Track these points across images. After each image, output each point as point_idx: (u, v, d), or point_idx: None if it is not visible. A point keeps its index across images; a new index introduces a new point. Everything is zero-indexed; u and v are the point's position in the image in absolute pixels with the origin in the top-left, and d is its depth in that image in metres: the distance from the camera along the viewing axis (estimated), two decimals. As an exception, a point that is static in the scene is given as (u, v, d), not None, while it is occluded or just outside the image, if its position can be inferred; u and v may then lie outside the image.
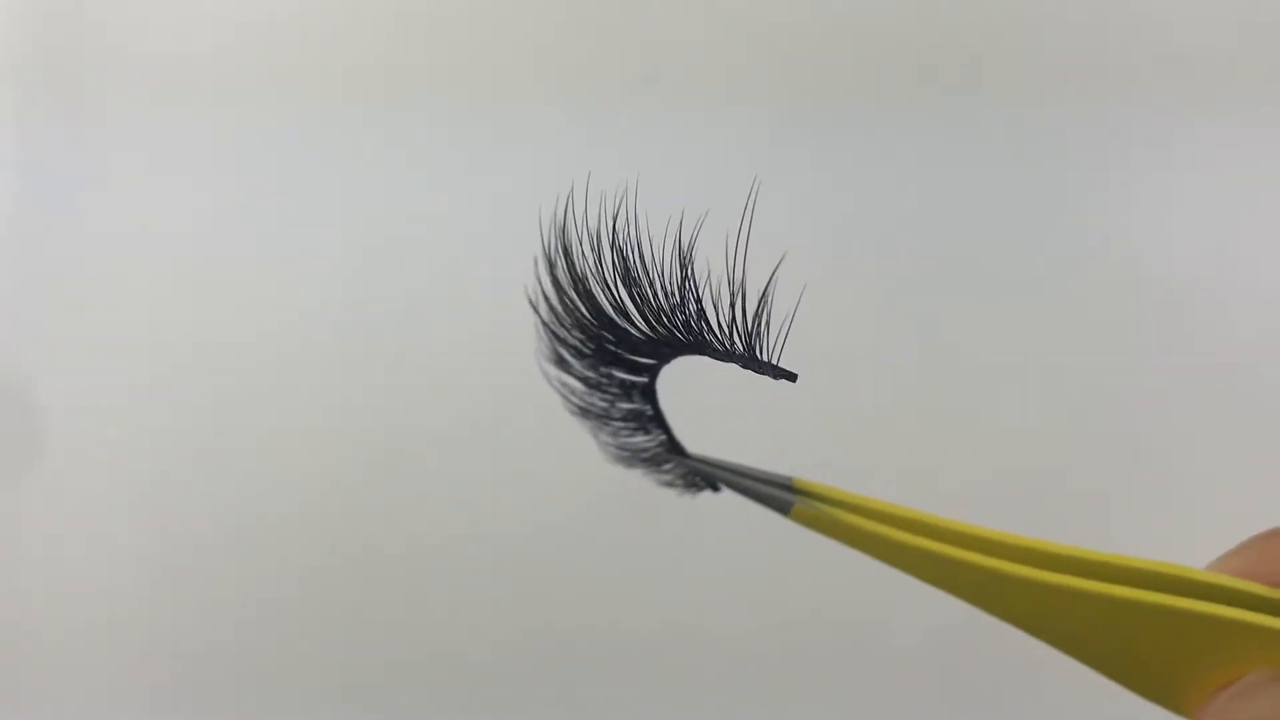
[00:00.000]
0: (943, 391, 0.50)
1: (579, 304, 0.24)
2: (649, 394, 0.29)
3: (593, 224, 0.24)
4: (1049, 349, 0.50)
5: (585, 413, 0.30)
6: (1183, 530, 0.45)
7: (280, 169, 0.53)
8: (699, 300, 0.21)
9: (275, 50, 0.53)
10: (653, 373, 0.28)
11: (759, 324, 0.21)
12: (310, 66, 0.53)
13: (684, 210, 0.22)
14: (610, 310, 0.23)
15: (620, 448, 0.31)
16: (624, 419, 0.30)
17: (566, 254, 0.24)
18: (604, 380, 0.28)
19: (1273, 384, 0.48)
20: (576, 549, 0.53)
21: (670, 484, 0.31)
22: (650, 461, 0.31)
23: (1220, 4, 0.49)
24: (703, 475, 0.30)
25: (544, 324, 0.27)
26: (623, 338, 0.24)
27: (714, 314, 0.22)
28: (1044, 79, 0.49)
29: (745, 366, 0.23)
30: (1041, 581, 0.22)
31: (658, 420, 0.29)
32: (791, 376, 0.23)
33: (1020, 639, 0.26)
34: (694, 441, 0.30)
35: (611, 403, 0.29)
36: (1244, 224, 0.48)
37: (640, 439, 0.30)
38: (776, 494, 0.27)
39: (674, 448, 0.30)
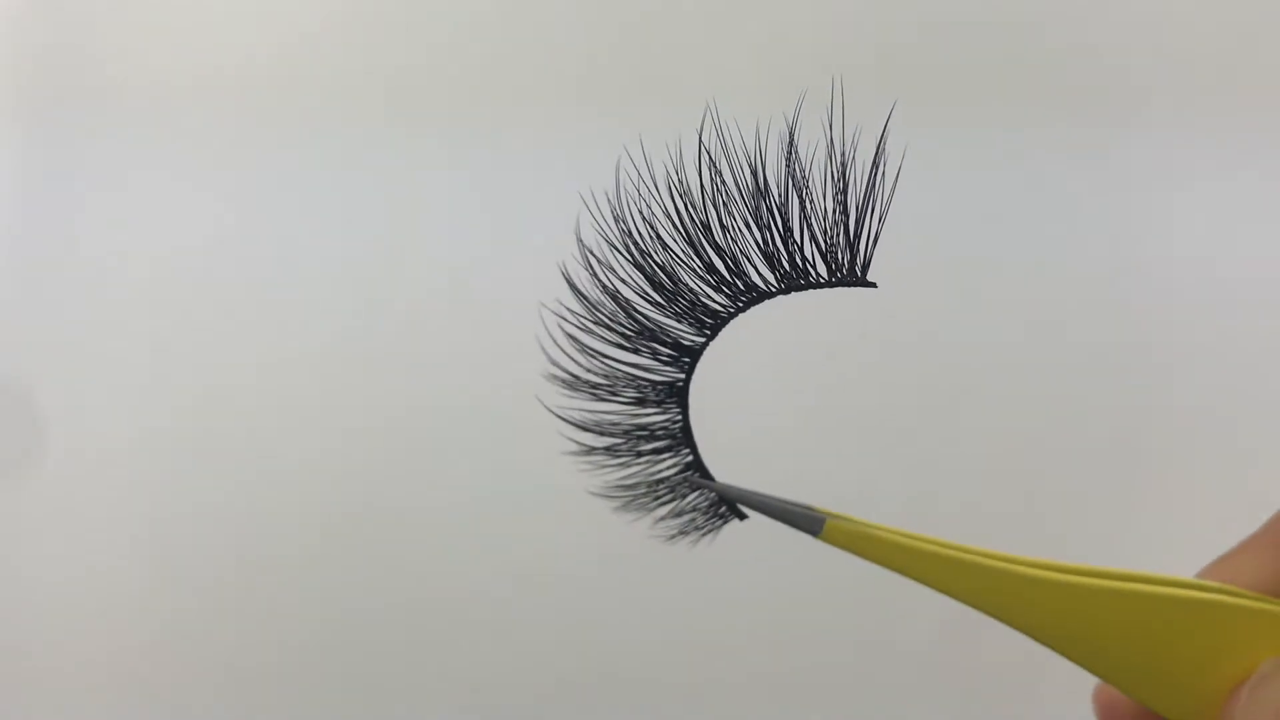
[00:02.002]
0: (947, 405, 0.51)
1: (658, 242, 0.25)
2: (682, 398, 0.28)
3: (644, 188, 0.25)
4: (1049, 357, 0.52)
5: (603, 436, 0.29)
6: (1188, 538, 0.45)
7: (283, 174, 0.54)
8: (805, 183, 0.22)
9: (280, 58, 0.54)
10: (694, 358, 0.28)
11: (863, 222, 0.23)
12: (315, 74, 0.54)
13: (766, 121, 0.24)
14: (699, 235, 0.24)
15: (639, 482, 0.29)
16: (648, 438, 0.29)
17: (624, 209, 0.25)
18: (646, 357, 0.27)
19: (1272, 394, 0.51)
20: (581, 560, 0.51)
21: (686, 527, 0.30)
22: (671, 494, 0.29)
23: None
24: (729, 500, 0.29)
25: (585, 310, 0.27)
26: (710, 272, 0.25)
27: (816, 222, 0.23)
28: (1049, 91, 0.54)
29: (836, 282, 0.24)
30: (1067, 583, 0.24)
31: (685, 435, 0.29)
32: (873, 285, 0.24)
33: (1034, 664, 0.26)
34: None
35: (635, 417, 0.29)
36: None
37: (665, 463, 0.29)
38: (806, 514, 0.27)
39: (700, 471, 0.29)
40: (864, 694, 0.51)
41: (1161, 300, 0.52)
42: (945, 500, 0.51)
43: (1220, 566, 0.26)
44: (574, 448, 0.29)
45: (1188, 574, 0.25)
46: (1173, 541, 0.45)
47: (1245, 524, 0.28)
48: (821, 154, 0.23)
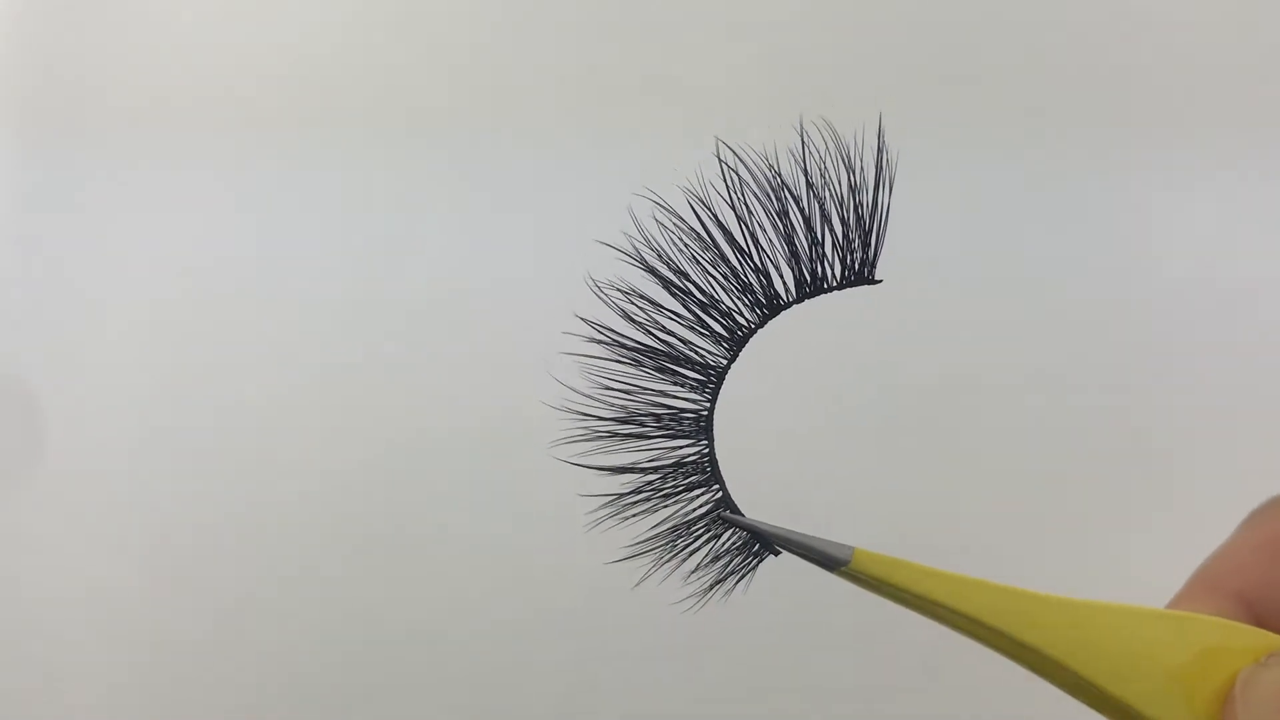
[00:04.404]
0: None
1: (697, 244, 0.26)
2: (707, 427, 0.29)
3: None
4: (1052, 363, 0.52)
5: (633, 476, 0.29)
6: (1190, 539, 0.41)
7: (284, 178, 0.55)
8: (825, 178, 0.24)
9: (282, 66, 0.56)
10: (719, 381, 0.28)
11: (875, 221, 0.24)
12: (316, 80, 0.56)
13: (772, 130, 0.26)
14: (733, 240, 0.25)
15: (672, 527, 0.29)
16: (678, 474, 0.29)
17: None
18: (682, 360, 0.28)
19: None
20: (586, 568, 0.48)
21: (722, 574, 0.29)
22: (706, 535, 0.29)
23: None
24: (760, 537, 0.28)
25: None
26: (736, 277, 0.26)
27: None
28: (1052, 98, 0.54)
29: (847, 283, 0.25)
30: (1082, 603, 0.26)
31: (714, 468, 0.29)
32: (879, 281, 0.25)
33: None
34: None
35: (665, 454, 0.29)
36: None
37: (696, 501, 0.29)
38: (833, 546, 0.27)
39: (729, 506, 0.29)
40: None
41: (1163, 300, 0.52)
42: (954, 511, 0.50)
43: (1185, 604, 0.27)
44: (598, 504, 0.29)
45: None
46: (1175, 542, 0.42)
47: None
48: (830, 156, 0.25)
